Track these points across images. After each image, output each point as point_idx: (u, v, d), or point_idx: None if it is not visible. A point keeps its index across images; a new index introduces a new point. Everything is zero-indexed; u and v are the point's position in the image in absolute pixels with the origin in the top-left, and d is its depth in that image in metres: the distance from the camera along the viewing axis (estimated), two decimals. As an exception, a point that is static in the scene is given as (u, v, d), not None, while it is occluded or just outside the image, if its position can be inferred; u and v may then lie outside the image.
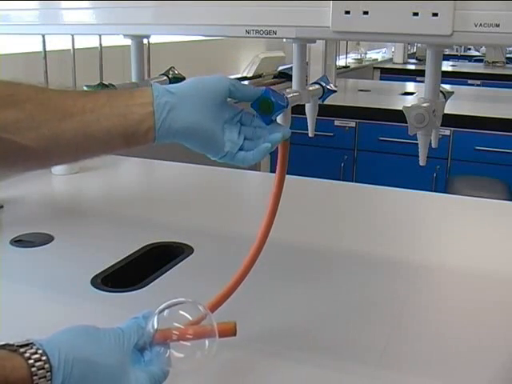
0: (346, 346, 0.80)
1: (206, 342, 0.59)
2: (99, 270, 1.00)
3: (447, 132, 2.88)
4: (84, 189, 1.57)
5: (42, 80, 1.77)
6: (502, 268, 1.06)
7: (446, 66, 5.26)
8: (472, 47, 6.67)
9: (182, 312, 0.60)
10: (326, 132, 3.07)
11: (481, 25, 0.68)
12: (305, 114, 1.03)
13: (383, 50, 6.05)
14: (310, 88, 1.00)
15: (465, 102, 3.31)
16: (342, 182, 1.86)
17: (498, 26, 0.67)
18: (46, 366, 0.50)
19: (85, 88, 1.02)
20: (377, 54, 5.83)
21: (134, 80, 1.09)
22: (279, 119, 0.91)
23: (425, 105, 0.83)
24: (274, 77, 3.45)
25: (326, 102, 1.05)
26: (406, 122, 0.82)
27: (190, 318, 0.60)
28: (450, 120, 2.48)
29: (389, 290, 0.98)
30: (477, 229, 1.27)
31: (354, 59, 5.01)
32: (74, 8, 0.96)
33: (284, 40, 0.86)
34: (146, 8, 0.89)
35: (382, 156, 3.06)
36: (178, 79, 1.16)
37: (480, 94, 4.14)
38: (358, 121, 3.10)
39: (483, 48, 5.93)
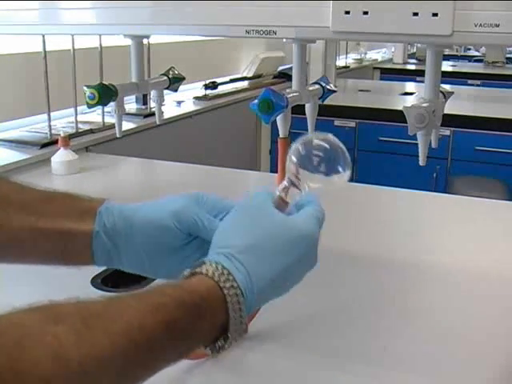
0: (345, 345, 0.80)
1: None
2: (99, 270, 1.00)
3: (447, 132, 2.88)
4: (84, 189, 1.57)
5: (42, 80, 1.77)
6: (502, 268, 1.06)
7: (446, 66, 5.26)
8: (472, 47, 6.68)
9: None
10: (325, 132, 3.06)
11: (481, 25, 0.68)
12: (305, 114, 1.03)
13: (383, 50, 6.06)
14: (310, 88, 1.01)
15: (465, 101, 3.31)
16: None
17: (497, 26, 0.67)
18: (231, 278, 0.49)
19: (85, 88, 1.02)
20: (377, 54, 5.84)
21: (133, 80, 1.09)
22: (279, 119, 0.92)
23: (425, 105, 0.83)
24: (274, 77, 3.46)
25: (325, 102, 1.05)
26: (406, 122, 0.82)
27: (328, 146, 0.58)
28: (450, 120, 2.48)
29: (388, 289, 0.98)
30: (477, 229, 1.27)
31: (354, 59, 5.01)
32: (74, 8, 0.96)
33: (284, 40, 0.86)
34: (146, 8, 0.90)
35: (382, 156, 3.06)
36: (177, 79, 1.16)
37: (480, 94, 4.15)
38: (357, 121, 3.10)
39: (483, 48, 5.94)
